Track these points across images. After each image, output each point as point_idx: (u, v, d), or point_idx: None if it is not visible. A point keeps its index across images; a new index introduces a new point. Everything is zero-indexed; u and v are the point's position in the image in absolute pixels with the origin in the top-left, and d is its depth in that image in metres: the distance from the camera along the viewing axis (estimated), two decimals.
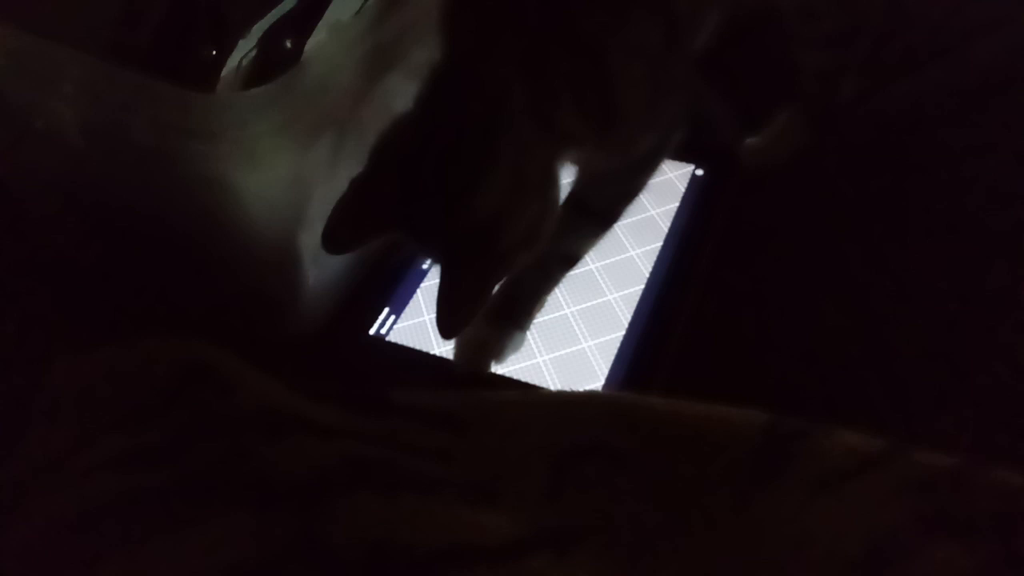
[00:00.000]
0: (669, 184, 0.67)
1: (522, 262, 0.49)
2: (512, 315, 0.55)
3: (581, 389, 0.54)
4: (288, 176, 0.52)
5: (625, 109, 0.49)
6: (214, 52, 0.49)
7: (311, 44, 0.50)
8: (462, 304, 0.46)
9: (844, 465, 0.41)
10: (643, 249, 0.62)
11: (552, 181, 0.49)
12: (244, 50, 0.49)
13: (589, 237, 0.56)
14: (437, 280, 0.60)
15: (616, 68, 0.48)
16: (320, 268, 0.58)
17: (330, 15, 0.51)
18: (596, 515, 0.43)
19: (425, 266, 0.63)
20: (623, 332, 0.57)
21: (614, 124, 0.49)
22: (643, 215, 0.64)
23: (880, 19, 0.69)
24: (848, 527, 0.39)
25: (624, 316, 0.58)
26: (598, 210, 0.56)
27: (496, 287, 0.48)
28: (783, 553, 0.40)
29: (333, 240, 0.47)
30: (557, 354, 0.57)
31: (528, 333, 0.57)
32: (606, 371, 0.55)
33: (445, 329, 0.46)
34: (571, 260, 0.56)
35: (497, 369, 0.56)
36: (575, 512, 0.43)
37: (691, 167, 0.68)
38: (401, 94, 0.58)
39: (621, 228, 0.63)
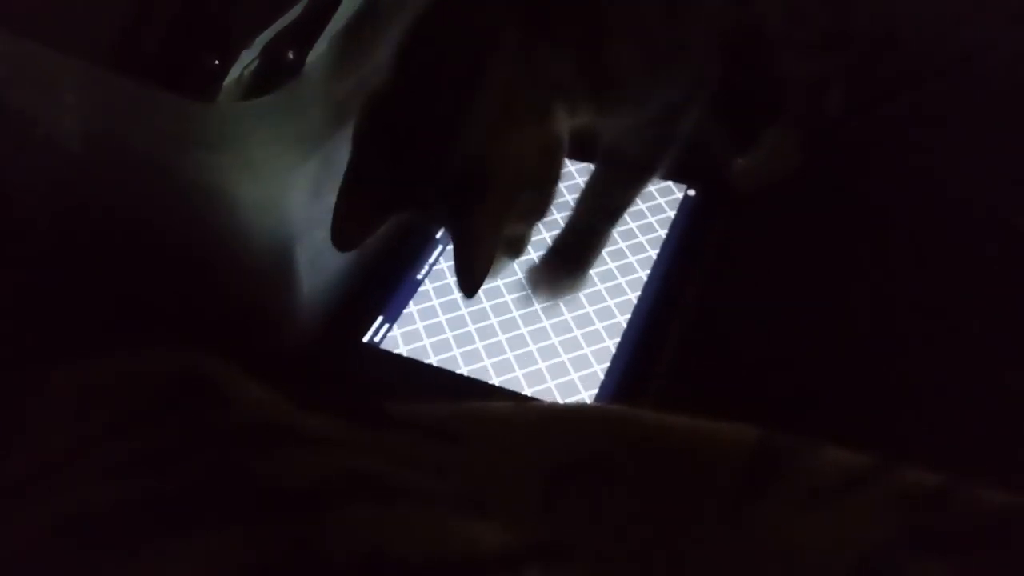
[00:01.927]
0: (661, 204, 0.67)
1: (537, 200, 0.48)
2: (574, 257, 0.57)
3: (573, 402, 0.55)
4: (287, 187, 0.52)
5: (619, 68, 0.48)
6: (216, 62, 0.49)
7: (313, 55, 0.50)
8: (472, 255, 0.45)
9: (831, 481, 0.41)
10: (636, 265, 0.63)
11: (548, 114, 0.47)
12: (246, 60, 0.49)
13: (630, 187, 0.57)
14: (431, 290, 0.62)
15: (613, 27, 0.47)
16: (315, 277, 0.58)
17: (333, 26, 0.51)
18: (588, 528, 0.43)
19: (419, 276, 0.64)
20: (615, 346, 0.58)
21: (610, 83, 0.49)
22: (636, 233, 0.65)
23: (870, 26, 0.70)
24: (836, 543, 0.40)
25: (616, 330, 0.59)
26: (634, 159, 0.55)
27: (512, 225, 0.47)
28: (772, 569, 0.40)
29: (341, 238, 0.46)
30: (549, 365, 0.57)
31: (512, 350, 0.58)
32: (598, 384, 0.56)
33: (465, 286, 0.45)
34: (616, 212, 0.57)
35: (491, 379, 0.56)
36: (567, 525, 0.43)
37: (683, 187, 0.69)
38: None
39: (614, 245, 0.64)
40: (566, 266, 0.59)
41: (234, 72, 0.49)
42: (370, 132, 0.46)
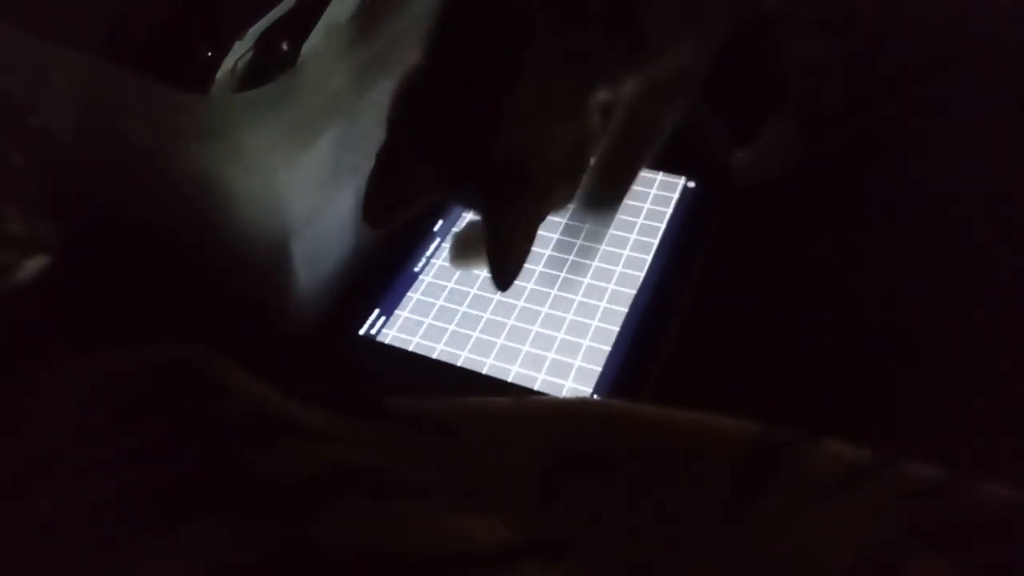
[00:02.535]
0: (660, 196, 0.67)
1: (565, 195, 0.48)
2: (611, 174, 0.56)
3: (571, 396, 0.54)
4: (282, 179, 0.51)
5: (652, 33, 0.48)
6: (209, 54, 0.48)
7: (307, 47, 0.50)
8: (507, 249, 0.45)
9: (831, 476, 0.41)
10: (634, 258, 0.62)
11: (586, 107, 0.47)
12: (240, 52, 0.49)
13: (638, 157, 0.56)
14: (428, 282, 0.62)
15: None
16: (312, 270, 0.57)
17: (327, 18, 0.51)
18: (587, 524, 0.43)
19: (417, 268, 0.63)
20: (613, 339, 0.57)
21: (641, 40, 0.48)
22: (634, 225, 0.65)
23: (872, 10, 0.69)
24: (836, 539, 0.40)
25: (616, 323, 0.58)
26: (639, 132, 0.55)
27: (539, 224, 0.47)
28: (772, 565, 0.40)
29: (372, 216, 0.47)
30: (547, 358, 0.57)
31: (510, 343, 0.57)
32: (596, 378, 0.56)
33: (499, 280, 0.46)
34: (630, 178, 0.57)
35: (488, 372, 0.56)
36: (566, 520, 0.43)
37: (682, 179, 0.68)
38: None
39: (611, 238, 0.64)
40: (597, 204, 0.57)
41: (227, 64, 0.48)
42: (405, 120, 0.46)
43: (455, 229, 0.63)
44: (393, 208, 0.48)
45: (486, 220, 0.46)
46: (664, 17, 0.49)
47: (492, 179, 0.44)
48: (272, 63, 0.49)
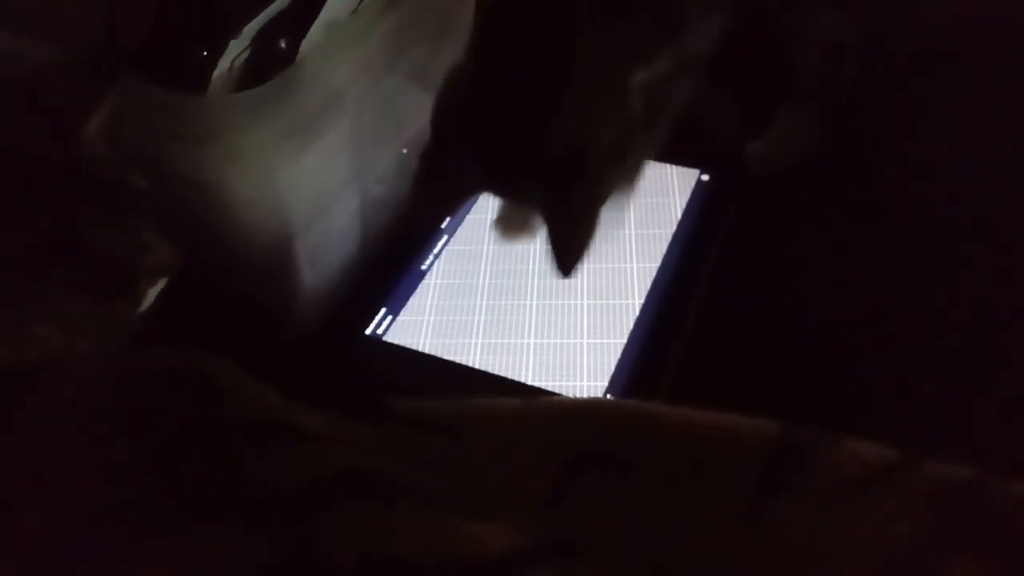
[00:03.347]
0: (674, 189, 0.66)
1: (616, 182, 0.48)
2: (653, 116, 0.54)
3: (583, 396, 0.53)
4: (283, 180, 0.51)
5: (687, 20, 0.49)
6: (205, 53, 0.47)
7: (306, 44, 0.49)
8: (573, 236, 0.45)
9: (856, 477, 0.40)
10: (648, 253, 0.61)
11: (630, 94, 0.47)
12: (236, 51, 0.48)
13: (651, 138, 0.54)
14: (435, 281, 0.61)
15: None
16: (316, 270, 0.57)
17: (325, 14, 0.50)
18: (599, 527, 0.42)
19: (424, 266, 0.62)
20: (626, 337, 0.56)
21: (680, 27, 0.49)
22: (650, 219, 0.64)
23: None
24: (861, 542, 0.38)
25: (628, 321, 0.57)
26: (656, 110, 0.53)
27: (601, 207, 0.47)
28: (796, 567, 0.39)
29: (422, 219, 0.48)
30: (558, 357, 0.56)
31: (519, 341, 0.56)
32: (609, 377, 0.54)
33: (563, 267, 0.46)
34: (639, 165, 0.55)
35: (498, 371, 0.55)
36: (577, 524, 0.42)
37: (696, 172, 0.67)
38: (404, 95, 0.57)
39: (625, 232, 0.62)
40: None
41: (223, 63, 0.47)
42: (452, 118, 0.46)
43: (468, 238, 0.62)
44: (443, 209, 0.49)
45: (548, 209, 0.46)
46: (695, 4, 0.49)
47: (553, 168, 0.44)
48: (270, 61, 0.48)
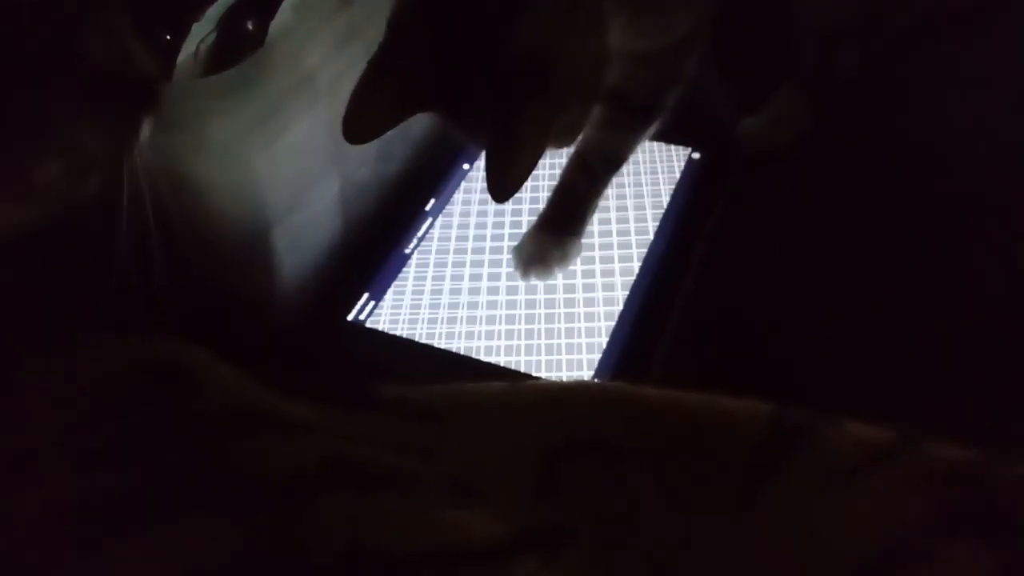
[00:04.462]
0: (666, 167, 0.65)
1: (577, 116, 0.46)
2: (566, 222, 0.55)
3: (571, 379, 0.52)
4: (257, 167, 0.49)
5: None
6: (168, 37, 0.46)
7: (275, 25, 0.48)
8: (514, 155, 0.42)
9: (853, 459, 0.39)
10: (638, 232, 0.60)
11: (601, 25, 0.45)
12: (201, 34, 0.46)
13: (631, 134, 0.54)
14: (419, 265, 0.60)
15: None
16: (296, 257, 0.56)
17: None
18: (588, 515, 0.41)
19: (408, 250, 0.61)
20: (615, 319, 0.55)
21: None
22: (639, 198, 0.62)
23: None
24: (859, 526, 0.37)
25: (617, 302, 0.56)
26: (638, 103, 0.53)
27: (548, 136, 0.45)
28: (790, 554, 0.37)
29: (352, 129, 0.43)
30: (545, 340, 0.54)
31: (506, 325, 0.55)
32: (597, 359, 0.53)
33: (498, 189, 0.43)
34: (616, 162, 0.55)
35: (483, 356, 0.54)
36: (566, 512, 0.41)
37: (688, 150, 0.66)
38: None
39: (616, 210, 0.61)
40: (558, 233, 0.56)
41: (188, 47, 0.46)
42: (413, 17, 0.43)
43: (452, 221, 0.60)
44: (379, 122, 0.44)
45: (495, 120, 0.43)
46: None
47: (510, 71, 0.41)
48: (237, 44, 0.47)
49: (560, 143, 0.48)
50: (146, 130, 0.41)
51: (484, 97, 0.42)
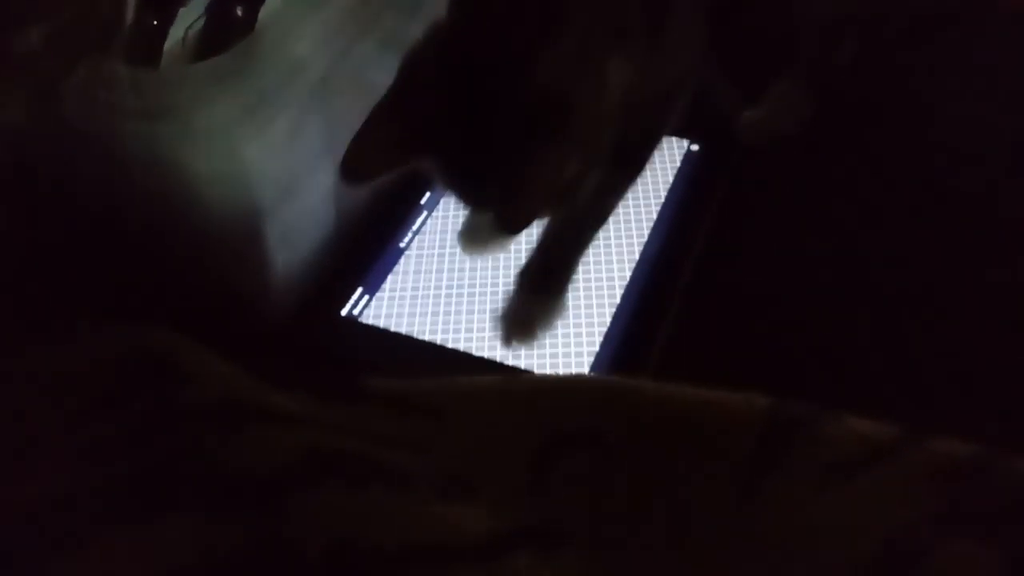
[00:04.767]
0: (663, 159, 0.64)
1: (582, 172, 0.45)
2: (547, 281, 0.53)
3: (567, 373, 0.52)
4: (247, 157, 0.49)
5: (673, 16, 0.47)
6: (155, 22, 0.45)
7: (265, 11, 0.47)
8: (529, 194, 0.41)
9: (853, 454, 0.39)
10: (636, 224, 0.60)
11: (608, 81, 0.44)
12: (189, 20, 0.45)
13: (617, 187, 0.53)
14: (414, 259, 0.59)
15: None
16: (288, 249, 0.55)
17: None
18: (584, 510, 0.40)
19: (403, 244, 0.61)
20: (612, 312, 0.55)
21: (662, 30, 0.47)
22: (637, 190, 0.62)
23: None
24: (860, 522, 0.37)
25: (614, 295, 0.56)
26: (623, 155, 0.52)
27: (567, 186, 0.44)
28: (790, 550, 0.37)
29: (351, 169, 0.42)
30: (543, 336, 0.54)
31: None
32: (594, 353, 0.53)
33: (509, 223, 0.42)
34: (601, 216, 0.54)
35: (479, 351, 0.54)
36: (561, 507, 0.40)
37: (685, 142, 0.65)
38: (376, 64, 0.55)
39: None
40: (542, 293, 0.54)
41: (176, 33, 0.45)
42: (427, 59, 0.42)
43: (448, 215, 0.59)
44: (381, 163, 0.44)
45: (509, 162, 0.42)
46: (684, 3, 0.47)
47: (531, 105, 0.41)
48: (226, 31, 0.46)
49: (559, 202, 0.47)
50: (133, 13, 0.40)
51: (497, 142, 0.42)
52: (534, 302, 0.53)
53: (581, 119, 0.42)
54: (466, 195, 0.46)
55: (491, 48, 0.41)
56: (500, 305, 0.54)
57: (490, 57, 0.41)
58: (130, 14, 0.40)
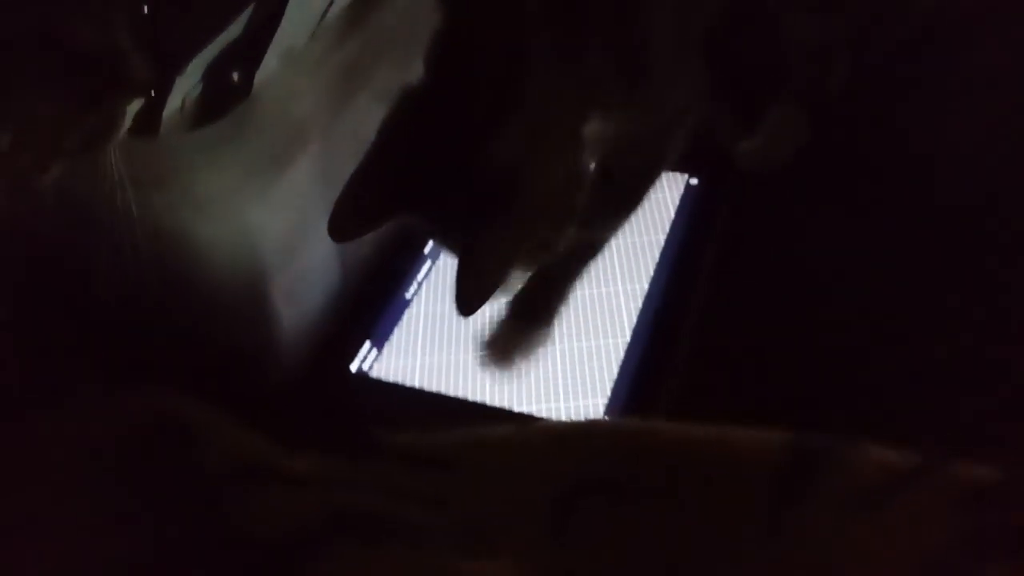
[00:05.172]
0: (662, 196, 0.64)
1: (551, 238, 0.46)
2: (535, 310, 0.53)
3: (580, 418, 0.51)
4: (251, 219, 0.49)
5: (655, 60, 0.47)
6: (152, 92, 0.46)
7: (261, 75, 0.47)
8: (481, 272, 0.42)
9: (877, 483, 0.38)
10: (641, 263, 0.60)
11: (578, 146, 0.45)
12: (185, 88, 0.46)
13: (611, 219, 0.53)
14: (421, 309, 0.59)
15: (644, 15, 0.45)
16: (295, 308, 0.55)
17: (279, 42, 0.48)
18: (608, 558, 0.39)
19: (408, 294, 0.60)
20: (622, 354, 0.54)
21: (643, 77, 0.47)
22: (637, 229, 0.62)
23: None
24: (889, 551, 0.36)
25: (623, 336, 0.55)
26: (620, 188, 0.52)
27: (519, 258, 0.45)
28: None
29: (337, 228, 0.44)
30: (552, 380, 0.54)
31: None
32: (607, 397, 0.52)
33: (464, 303, 0.42)
34: (595, 247, 0.54)
35: (490, 398, 0.53)
36: (584, 555, 0.40)
37: (684, 176, 0.65)
38: (372, 118, 0.55)
39: (617, 242, 0.60)
40: (529, 320, 0.54)
41: (174, 102, 0.45)
42: (399, 125, 0.44)
43: (452, 262, 0.59)
44: (364, 222, 0.45)
45: (466, 235, 0.43)
46: (664, 45, 0.47)
47: (484, 184, 0.42)
48: (224, 96, 0.47)
49: (532, 261, 0.48)
50: (125, 126, 0.40)
51: (459, 210, 0.43)
52: (518, 329, 0.53)
53: (538, 191, 0.43)
54: (449, 248, 0.47)
55: (450, 122, 0.43)
56: (487, 331, 0.54)
57: (448, 130, 0.42)
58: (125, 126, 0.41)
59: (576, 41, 0.44)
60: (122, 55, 0.38)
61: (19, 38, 0.36)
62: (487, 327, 0.54)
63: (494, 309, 0.55)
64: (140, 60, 0.39)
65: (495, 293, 0.44)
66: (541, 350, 0.54)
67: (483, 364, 0.53)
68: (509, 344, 0.53)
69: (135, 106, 0.40)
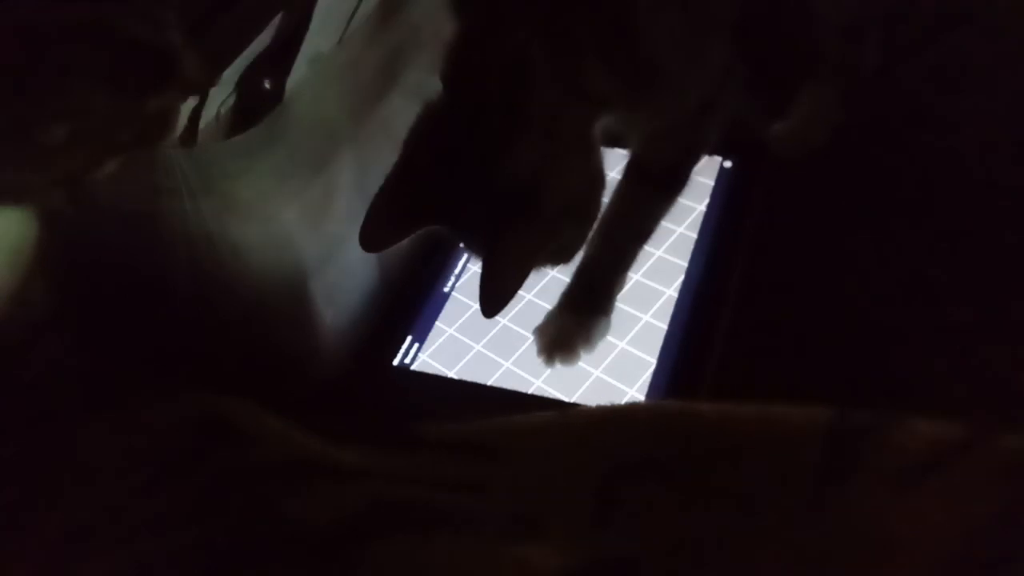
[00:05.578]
0: (697, 179, 0.62)
1: (572, 238, 0.47)
2: (591, 300, 0.54)
3: (621, 403, 0.51)
4: (288, 221, 0.50)
5: (660, 62, 0.47)
6: (206, 90, 0.47)
7: (292, 81, 0.48)
8: (503, 277, 0.44)
9: (923, 457, 0.37)
10: (677, 247, 0.59)
11: (592, 149, 0.47)
12: (220, 98, 0.47)
13: (656, 207, 0.54)
14: (459, 302, 0.59)
15: (643, 18, 0.45)
16: (336, 307, 0.56)
17: (308, 48, 0.49)
18: (652, 539, 0.39)
19: (447, 288, 0.61)
20: (662, 336, 0.54)
21: (651, 80, 0.47)
22: (673, 213, 0.60)
23: None
24: (938, 522, 0.36)
25: (662, 320, 0.55)
26: (661, 175, 0.53)
27: (542, 260, 0.47)
28: (869, 560, 0.36)
29: (369, 239, 0.46)
30: (592, 365, 0.54)
31: None
32: (648, 380, 0.52)
33: (488, 305, 0.44)
34: (642, 235, 0.54)
35: (531, 389, 0.53)
36: (629, 538, 0.40)
37: (718, 159, 0.65)
38: (402, 117, 0.56)
39: None
40: (584, 312, 0.54)
41: (209, 111, 0.47)
42: (421, 140, 0.46)
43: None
44: (393, 232, 0.47)
45: (487, 242, 0.45)
46: (669, 43, 0.47)
47: (502, 195, 0.44)
48: (257, 103, 0.48)
49: (555, 262, 0.49)
50: (179, 124, 0.41)
51: (481, 218, 0.45)
52: (577, 322, 0.54)
53: (556, 196, 0.44)
54: (476, 253, 0.48)
55: (468, 135, 0.44)
56: (542, 320, 0.55)
57: (467, 143, 0.44)
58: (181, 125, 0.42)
59: (572, 57, 0.44)
60: (175, 51, 0.39)
61: (73, 31, 0.37)
62: (544, 320, 0.55)
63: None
64: (192, 58, 0.40)
65: (513, 295, 0.45)
66: (601, 339, 0.54)
67: (544, 358, 0.54)
68: (571, 336, 0.54)
69: (188, 105, 0.41)
